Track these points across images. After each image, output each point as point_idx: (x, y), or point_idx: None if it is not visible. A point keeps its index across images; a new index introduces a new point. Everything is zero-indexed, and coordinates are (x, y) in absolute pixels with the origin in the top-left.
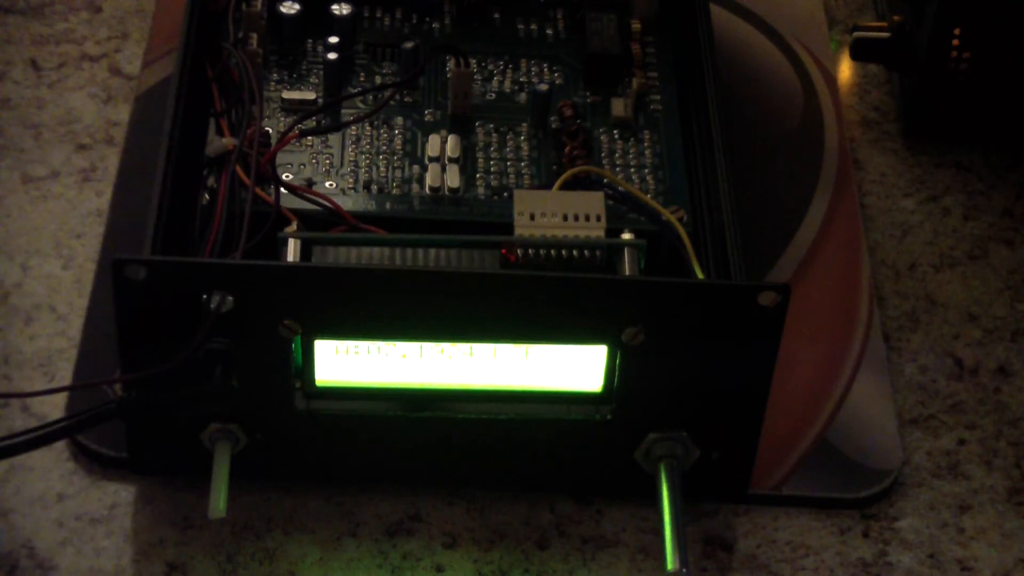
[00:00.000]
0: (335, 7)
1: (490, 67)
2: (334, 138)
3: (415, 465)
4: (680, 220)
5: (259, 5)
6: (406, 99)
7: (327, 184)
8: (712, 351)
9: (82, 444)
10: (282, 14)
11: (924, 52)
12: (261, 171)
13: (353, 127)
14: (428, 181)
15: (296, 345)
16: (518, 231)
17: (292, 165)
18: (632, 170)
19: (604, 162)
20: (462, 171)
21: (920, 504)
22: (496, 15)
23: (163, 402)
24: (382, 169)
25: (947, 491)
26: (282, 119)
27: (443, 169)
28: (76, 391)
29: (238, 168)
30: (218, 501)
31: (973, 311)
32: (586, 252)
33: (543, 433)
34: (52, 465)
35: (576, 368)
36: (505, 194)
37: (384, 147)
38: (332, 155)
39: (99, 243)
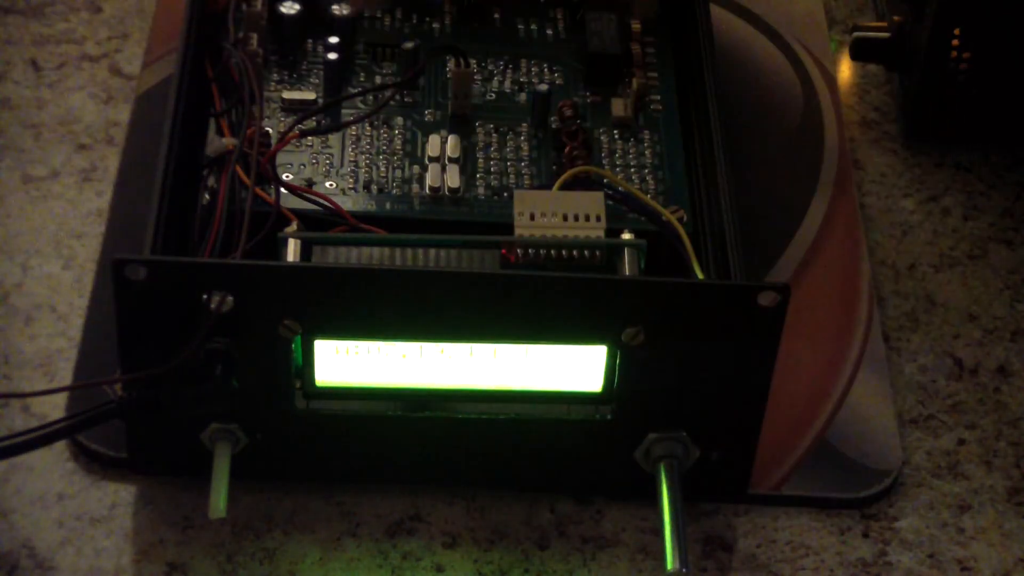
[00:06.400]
0: (335, 7)
1: (490, 67)
2: (334, 138)
3: (415, 465)
4: (680, 220)
5: (259, 5)
6: (406, 99)
7: (327, 184)
8: (712, 351)
9: (82, 444)
10: (282, 14)
11: (924, 52)
12: (261, 171)
13: (353, 127)
14: (428, 181)
15: (296, 345)
16: (518, 231)
17: (292, 165)
18: (632, 170)
19: (604, 162)
20: (462, 171)
21: (920, 504)
22: (496, 15)
23: (163, 402)
24: (382, 169)
25: (947, 491)
26: (282, 119)
27: (443, 169)
28: (76, 391)
29: (238, 168)
30: (218, 501)
31: (973, 311)
32: (586, 252)
33: (543, 433)
34: (52, 465)
35: (576, 368)
36: (505, 194)
37: (384, 147)
38: (332, 155)
39: (99, 243)
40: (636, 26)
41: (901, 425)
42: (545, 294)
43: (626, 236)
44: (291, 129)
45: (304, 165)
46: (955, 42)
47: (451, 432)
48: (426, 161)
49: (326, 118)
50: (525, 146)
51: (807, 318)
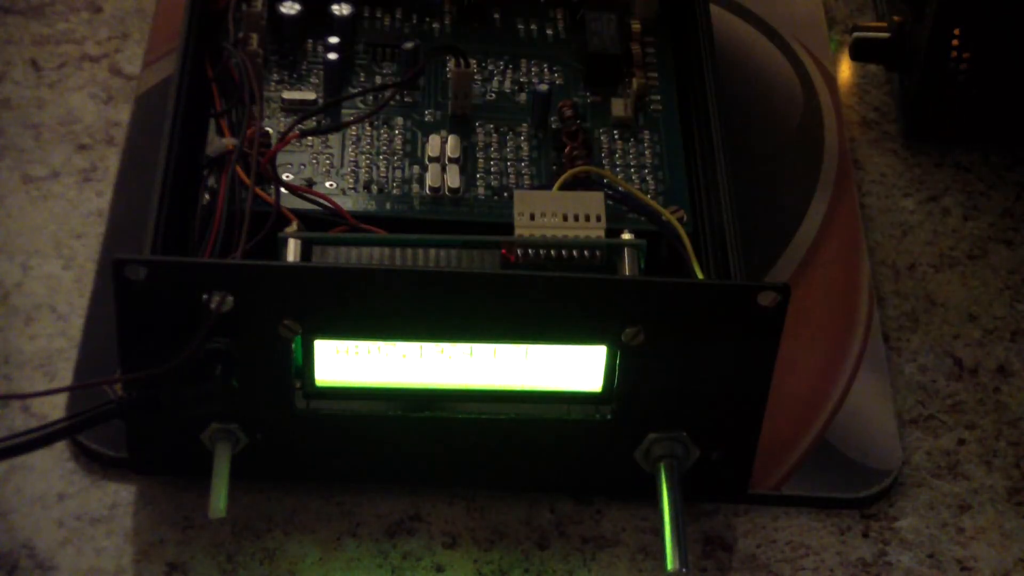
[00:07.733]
0: (335, 7)
1: (490, 67)
2: (334, 138)
3: (415, 465)
4: (680, 220)
5: (259, 5)
6: (406, 99)
7: (327, 184)
8: (712, 351)
9: (82, 444)
10: (282, 14)
11: (924, 52)
12: (261, 171)
13: (353, 127)
14: (428, 181)
15: (296, 345)
16: (518, 231)
17: (292, 165)
18: (632, 170)
19: (604, 162)
20: (462, 171)
21: (920, 504)
22: (496, 15)
23: (163, 402)
24: (382, 169)
25: (947, 491)
26: (282, 119)
27: (443, 169)
28: (76, 391)
29: (238, 168)
30: (218, 501)
31: (973, 311)
32: (586, 252)
33: (543, 433)
34: (52, 465)
35: (576, 368)
36: (505, 194)
37: (384, 147)
38: (332, 155)
39: (99, 243)
40: (636, 26)
41: (901, 425)
42: (545, 294)
43: (626, 236)
44: (291, 129)
45: (304, 165)
46: (955, 42)
47: (451, 432)
48: (426, 161)
49: (326, 118)
50: (525, 146)
51: (807, 318)
